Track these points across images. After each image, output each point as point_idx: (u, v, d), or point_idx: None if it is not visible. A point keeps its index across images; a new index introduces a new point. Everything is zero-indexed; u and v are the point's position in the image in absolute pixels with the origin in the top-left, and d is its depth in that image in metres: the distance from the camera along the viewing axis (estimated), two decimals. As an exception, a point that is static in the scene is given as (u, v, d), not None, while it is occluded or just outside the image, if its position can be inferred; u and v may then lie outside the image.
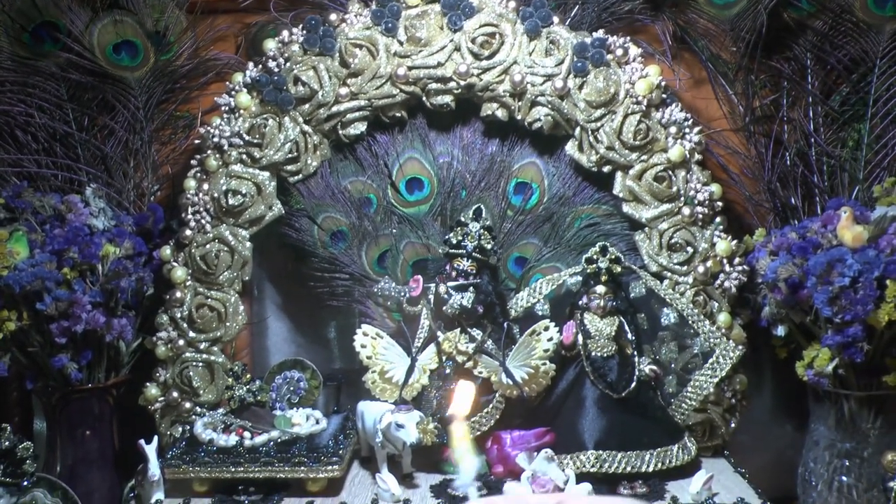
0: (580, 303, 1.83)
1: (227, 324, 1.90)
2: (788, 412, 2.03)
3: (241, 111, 1.89)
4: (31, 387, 1.86)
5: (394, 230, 1.95)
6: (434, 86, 1.88)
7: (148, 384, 1.91)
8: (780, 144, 1.97)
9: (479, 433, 1.80)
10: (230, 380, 1.80)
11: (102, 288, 1.80)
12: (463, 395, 0.74)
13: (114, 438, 1.90)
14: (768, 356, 1.95)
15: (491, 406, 1.80)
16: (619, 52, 1.87)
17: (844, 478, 1.75)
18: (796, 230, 1.79)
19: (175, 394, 1.88)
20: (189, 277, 1.90)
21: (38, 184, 1.96)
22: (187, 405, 1.88)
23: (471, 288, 1.79)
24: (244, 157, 1.89)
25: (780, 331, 1.82)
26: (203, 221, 1.90)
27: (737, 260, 1.88)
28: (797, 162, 1.96)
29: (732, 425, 1.88)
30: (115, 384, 1.89)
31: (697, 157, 1.90)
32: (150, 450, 1.65)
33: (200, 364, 1.89)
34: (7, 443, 1.56)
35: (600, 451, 1.70)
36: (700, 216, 1.86)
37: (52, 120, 1.99)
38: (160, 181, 2.08)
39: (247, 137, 1.88)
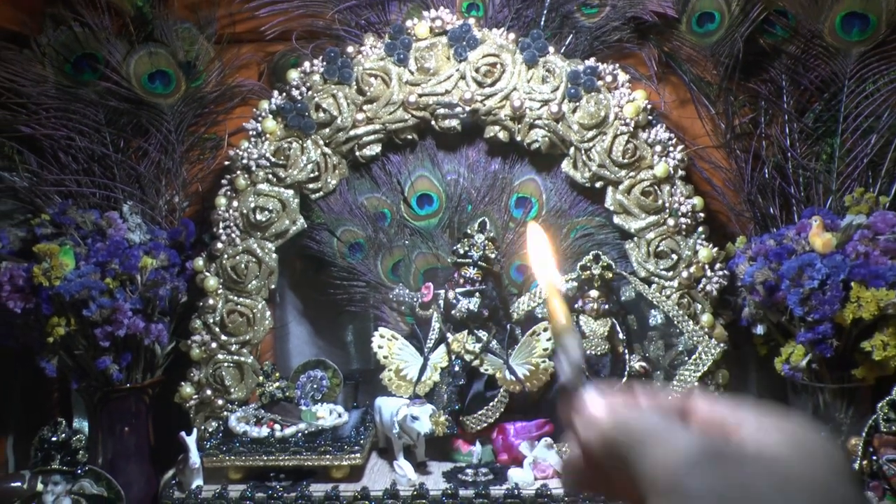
0: (576, 306, 1.89)
1: (255, 328, 1.97)
2: (772, 405, 2.12)
3: (268, 135, 1.96)
4: (75, 386, 1.92)
5: (406, 242, 2.01)
6: (442, 111, 1.93)
7: (183, 383, 1.97)
8: (758, 159, 2.02)
9: (485, 425, 1.87)
10: (261, 378, 1.87)
11: (141, 296, 1.86)
12: (536, 240, 0.55)
13: (149, 434, 1.97)
14: (751, 353, 2.00)
15: (496, 400, 1.87)
16: (609, 78, 1.93)
17: (820, 464, 1.87)
18: (774, 237, 1.84)
19: (208, 392, 1.95)
20: (220, 286, 1.97)
21: (78, 201, 2.01)
22: (219, 402, 1.95)
23: (477, 293, 1.85)
24: (270, 176, 1.95)
25: (760, 329, 1.88)
26: (233, 235, 1.96)
27: (718, 265, 1.95)
28: (775, 175, 2.00)
29: (716, 416, 1.99)
30: (151, 384, 1.95)
31: (681, 172, 1.95)
32: (191, 441, 1.73)
33: (231, 364, 1.96)
34: (63, 435, 1.66)
35: (595, 439, 1.80)
36: (683, 226, 1.93)
37: (91, 142, 2.04)
38: (189, 198, 2.13)
39: (272, 159, 1.94)
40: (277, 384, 1.85)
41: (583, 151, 1.93)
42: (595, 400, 0.49)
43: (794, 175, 2.01)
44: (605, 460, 0.47)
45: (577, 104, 1.92)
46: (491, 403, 1.88)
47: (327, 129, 1.96)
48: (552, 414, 1.86)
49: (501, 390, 1.88)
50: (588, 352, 1.87)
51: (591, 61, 1.95)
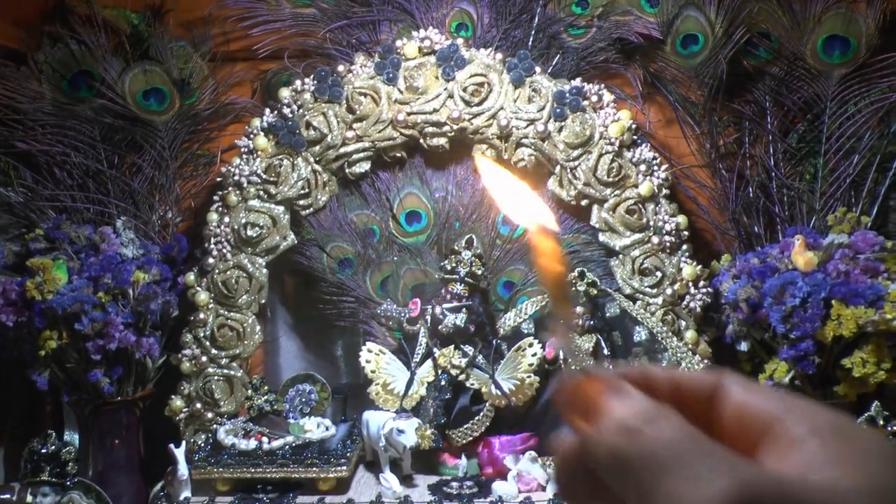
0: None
1: (245, 342, 1.99)
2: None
3: (259, 152, 1.98)
4: (66, 399, 1.93)
5: (395, 258, 2.03)
6: (430, 129, 1.96)
7: (173, 396, 1.98)
8: (743, 178, 2.04)
9: (470, 439, 1.88)
10: (250, 391, 1.88)
11: (133, 310, 1.88)
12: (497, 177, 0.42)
13: (139, 447, 1.98)
14: (735, 370, 2.02)
15: (481, 415, 1.89)
16: (594, 98, 1.96)
17: (804, 479, 1.88)
18: (758, 256, 1.87)
19: (198, 405, 1.97)
20: (211, 301, 1.98)
21: (73, 216, 2.03)
22: (209, 415, 1.96)
23: (464, 309, 1.88)
24: (261, 193, 1.98)
25: (744, 346, 1.90)
26: (224, 251, 1.98)
27: (701, 283, 1.97)
28: (759, 194, 2.02)
29: (701, 431, 2.00)
30: (141, 397, 1.96)
31: (665, 191, 1.98)
32: (180, 453, 1.74)
33: (221, 378, 1.98)
34: (53, 447, 1.66)
35: (579, 454, 1.82)
36: (668, 244, 1.95)
37: (86, 158, 2.06)
38: (182, 213, 2.15)
39: (264, 176, 1.97)
40: (266, 397, 1.87)
41: (568, 170, 1.96)
42: (610, 390, 0.37)
43: (777, 194, 2.04)
44: (609, 479, 0.36)
45: (563, 124, 1.95)
46: (476, 417, 1.90)
47: (318, 147, 1.99)
48: (537, 428, 1.88)
49: (487, 405, 1.90)
50: (573, 367, 1.87)
51: (576, 81, 1.98)
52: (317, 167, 2.00)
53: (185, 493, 1.76)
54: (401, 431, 1.73)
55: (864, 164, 1.98)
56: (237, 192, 2.00)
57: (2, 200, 2.06)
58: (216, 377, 1.99)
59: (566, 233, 2.03)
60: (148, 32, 2.10)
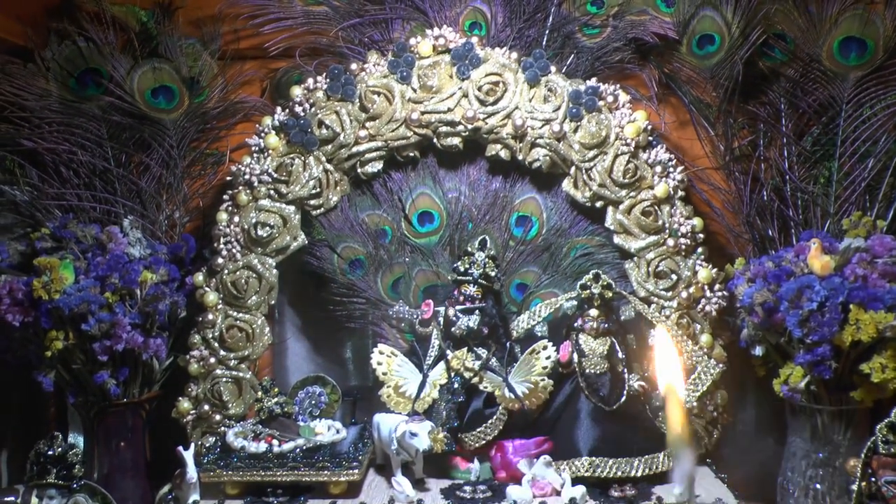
0: (575, 325, 1.89)
1: (255, 343, 1.97)
2: (770, 427, 2.07)
3: (270, 151, 1.97)
4: (72, 401, 1.92)
5: (407, 259, 2.02)
6: (444, 129, 1.95)
7: (181, 398, 1.98)
8: (757, 181, 2.02)
9: (483, 443, 1.87)
10: (259, 393, 1.87)
11: (141, 311, 1.87)
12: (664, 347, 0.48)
13: (145, 449, 1.96)
14: (750, 375, 2.00)
15: (495, 418, 1.87)
16: (610, 98, 1.95)
17: (818, 485, 1.82)
18: (772, 259, 1.85)
19: (206, 407, 1.96)
20: (220, 301, 1.97)
21: (79, 215, 2.02)
22: (217, 417, 1.95)
23: (477, 311, 1.87)
24: (272, 192, 1.97)
25: (758, 351, 1.88)
26: (234, 251, 1.97)
27: (717, 286, 1.96)
28: (773, 197, 2.01)
29: (715, 436, 1.96)
30: (147, 399, 1.95)
31: (680, 193, 1.97)
32: (188, 455, 1.72)
33: (229, 380, 1.97)
34: (59, 449, 1.62)
35: (594, 458, 1.77)
36: (683, 247, 1.94)
37: (93, 157, 2.05)
38: (190, 213, 2.14)
39: (275, 175, 1.96)
40: (276, 399, 1.85)
41: (583, 171, 1.95)
42: None
43: (792, 198, 2.02)
44: None
45: (579, 124, 1.94)
46: (490, 421, 1.89)
47: (330, 146, 1.98)
48: (551, 432, 1.86)
49: (500, 408, 1.89)
50: (587, 370, 1.87)
51: (592, 81, 1.97)
52: (328, 166, 1.99)
53: (194, 497, 1.74)
54: (413, 435, 1.72)
55: (880, 167, 1.96)
56: (247, 191, 1.99)
57: (8, 199, 2.04)
58: (224, 379, 1.98)
59: (580, 234, 2.02)
60: (157, 30, 2.09)
